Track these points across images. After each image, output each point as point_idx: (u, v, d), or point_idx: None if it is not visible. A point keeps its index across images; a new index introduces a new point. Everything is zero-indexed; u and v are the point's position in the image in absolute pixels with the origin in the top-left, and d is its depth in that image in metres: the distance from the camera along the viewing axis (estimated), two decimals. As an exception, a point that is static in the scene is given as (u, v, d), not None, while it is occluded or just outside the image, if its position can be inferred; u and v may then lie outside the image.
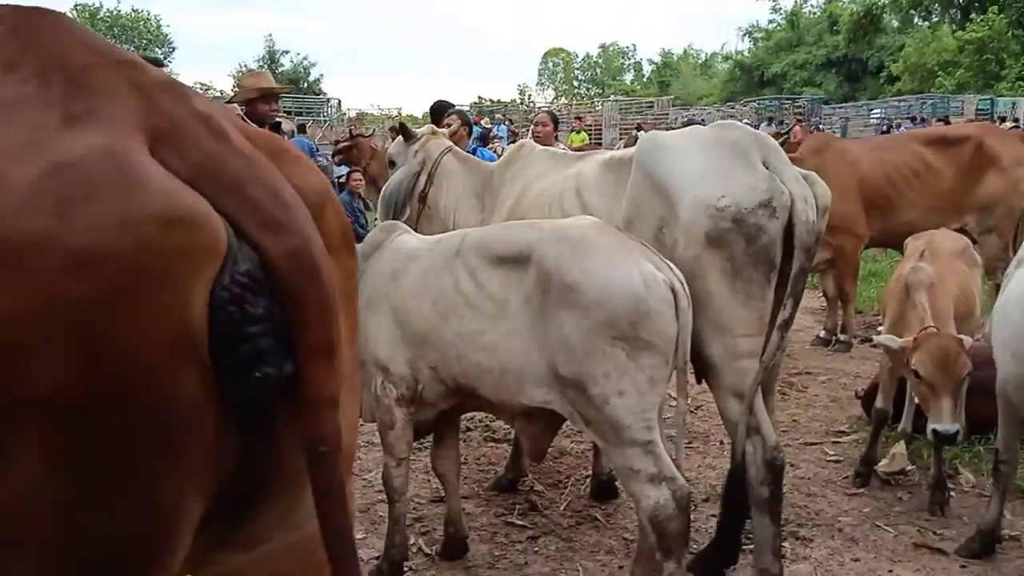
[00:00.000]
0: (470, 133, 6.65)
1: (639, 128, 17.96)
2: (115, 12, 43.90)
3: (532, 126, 9.05)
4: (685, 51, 63.21)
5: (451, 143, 4.13)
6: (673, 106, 34.13)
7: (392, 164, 4.26)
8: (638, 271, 2.51)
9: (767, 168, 2.74)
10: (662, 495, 2.49)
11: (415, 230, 3.40)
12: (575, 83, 65.25)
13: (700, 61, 63.31)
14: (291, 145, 1.32)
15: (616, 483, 3.83)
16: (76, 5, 44.06)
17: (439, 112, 6.25)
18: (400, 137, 4.30)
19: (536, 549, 3.36)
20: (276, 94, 5.09)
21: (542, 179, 3.62)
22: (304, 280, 1.08)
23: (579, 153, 3.95)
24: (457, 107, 7.02)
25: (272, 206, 1.08)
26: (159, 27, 44.96)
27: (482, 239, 2.81)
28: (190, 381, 1.01)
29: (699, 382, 2.94)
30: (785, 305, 2.74)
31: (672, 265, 2.61)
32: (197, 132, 1.08)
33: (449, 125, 4.82)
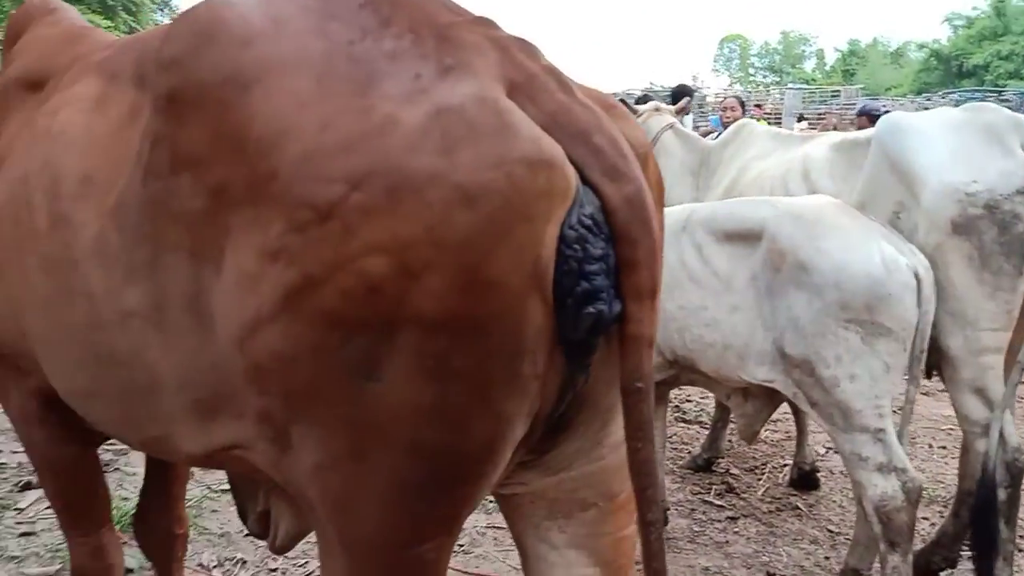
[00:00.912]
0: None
1: (800, 119, 17.24)
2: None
3: (720, 111, 8.89)
4: (874, 39, 59.46)
5: (674, 120, 4.15)
6: (861, 96, 32.21)
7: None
8: (879, 254, 2.44)
9: None
10: (890, 485, 2.42)
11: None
12: (751, 70, 63.00)
13: (890, 49, 59.36)
14: (617, 101, 1.40)
15: (818, 474, 3.75)
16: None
17: (680, 95, 6.41)
18: (624, 113, 4.38)
19: (736, 530, 3.36)
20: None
21: (762, 159, 3.57)
22: (638, 225, 1.15)
23: (804, 134, 3.86)
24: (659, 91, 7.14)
25: (613, 155, 1.15)
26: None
27: (710, 214, 2.82)
28: (536, 311, 1.11)
29: (929, 376, 2.82)
30: None
31: (916, 250, 2.52)
32: (548, 84, 1.17)
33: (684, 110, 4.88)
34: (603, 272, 1.14)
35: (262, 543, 3.13)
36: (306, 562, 3.06)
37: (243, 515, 1.89)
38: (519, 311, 1.09)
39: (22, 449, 3.95)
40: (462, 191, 1.03)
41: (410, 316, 1.06)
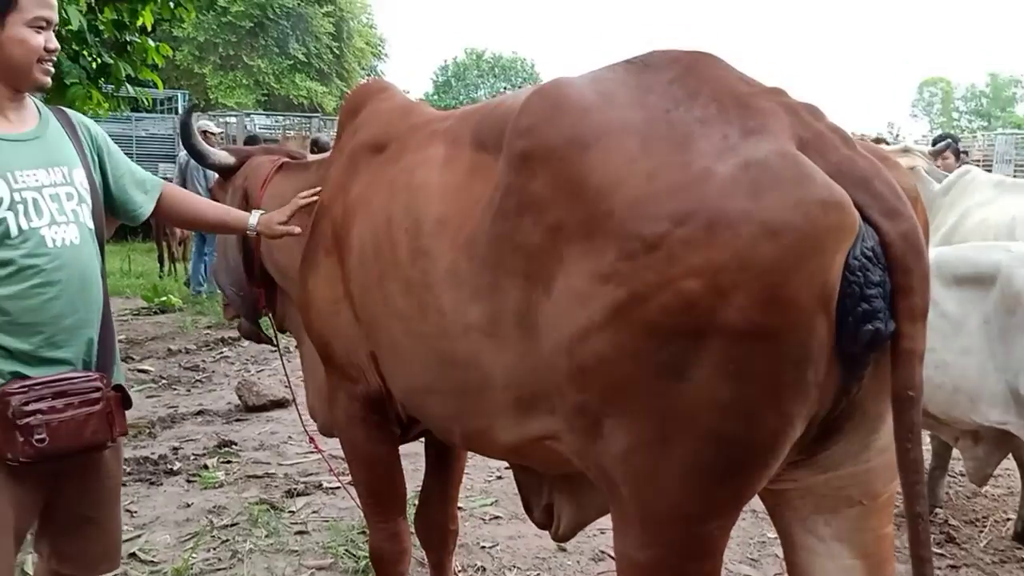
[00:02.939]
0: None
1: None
2: (497, 55, 49.08)
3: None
4: (1101, 77, 54.12)
5: (917, 163, 4.23)
6: (1085, 140, 29.40)
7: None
8: (1123, 298, 2.46)
9: None
10: None
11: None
12: (955, 115, 59.09)
13: (1120, 88, 53.76)
14: (889, 153, 1.63)
15: (1049, 529, 3.62)
16: (466, 48, 50.00)
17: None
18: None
19: (959, 578, 3.33)
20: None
21: (985, 207, 3.58)
22: (912, 256, 1.37)
23: (1028, 182, 3.82)
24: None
25: (890, 198, 1.38)
26: (533, 67, 49.44)
27: (939, 259, 2.91)
28: (822, 326, 1.34)
29: None
30: None
31: None
32: (833, 140, 1.43)
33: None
34: (880, 296, 1.36)
35: (497, 554, 3.51)
36: (538, 573, 3.36)
37: (528, 509, 2.22)
38: (808, 326, 1.33)
39: (288, 462, 4.61)
40: (767, 226, 1.30)
41: (718, 327, 1.33)
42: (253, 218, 2.37)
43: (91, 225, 1.96)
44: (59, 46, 1.90)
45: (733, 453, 1.42)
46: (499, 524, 3.82)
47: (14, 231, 1.80)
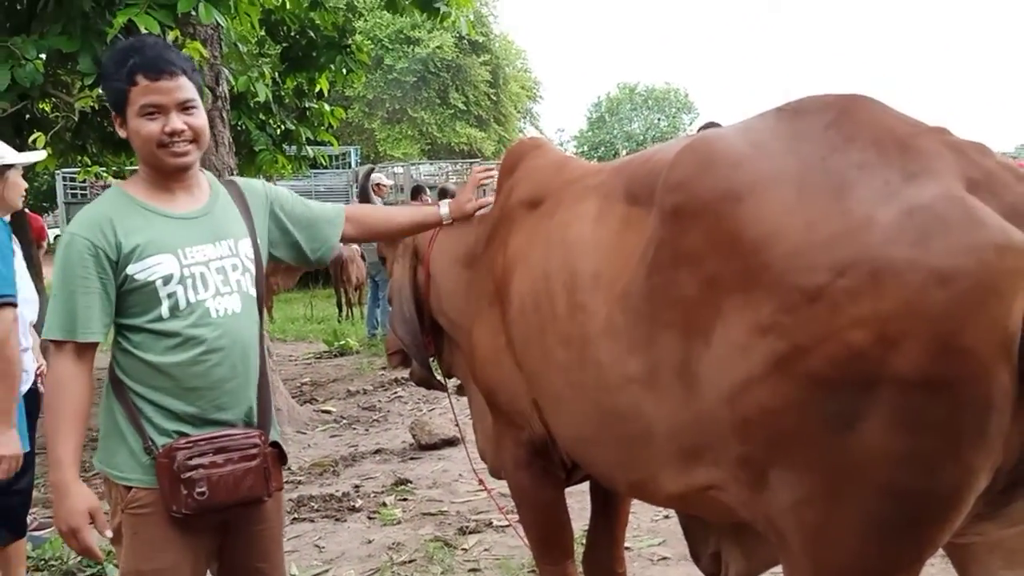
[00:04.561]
0: None
1: None
2: (650, 87, 48.95)
3: None
4: None
5: None
6: None
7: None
8: None
9: None
10: None
11: None
12: None
13: None
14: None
15: None
16: (619, 83, 50.19)
17: None
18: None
19: None
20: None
21: None
22: None
23: None
24: None
25: None
26: (687, 96, 48.89)
27: None
28: (1004, 374, 1.28)
29: None
30: None
31: None
32: (1006, 178, 1.36)
33: None
34: (1065, 340, 1.28)
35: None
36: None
37: (695, 556, 2.20)
38: (988, 374, 1.27)
39: (460, 500, 4.76)
40: (937, 274, 1.26)
41: (889, 377, 1.29)
42: (444, 208, 2.45)
43: (252, 293, 2.04)
44: (183, 127, 1.91)
45: (911, 507, 1.37)
46: (668, 565, 3.77)
47: (183, 304, 1.91)
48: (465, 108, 27.99)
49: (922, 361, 1.27)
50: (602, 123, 48.75)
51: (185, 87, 1.92)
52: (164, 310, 1.90)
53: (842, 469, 1.38)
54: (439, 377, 3.19)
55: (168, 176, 1.98)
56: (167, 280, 1.90)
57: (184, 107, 1.92)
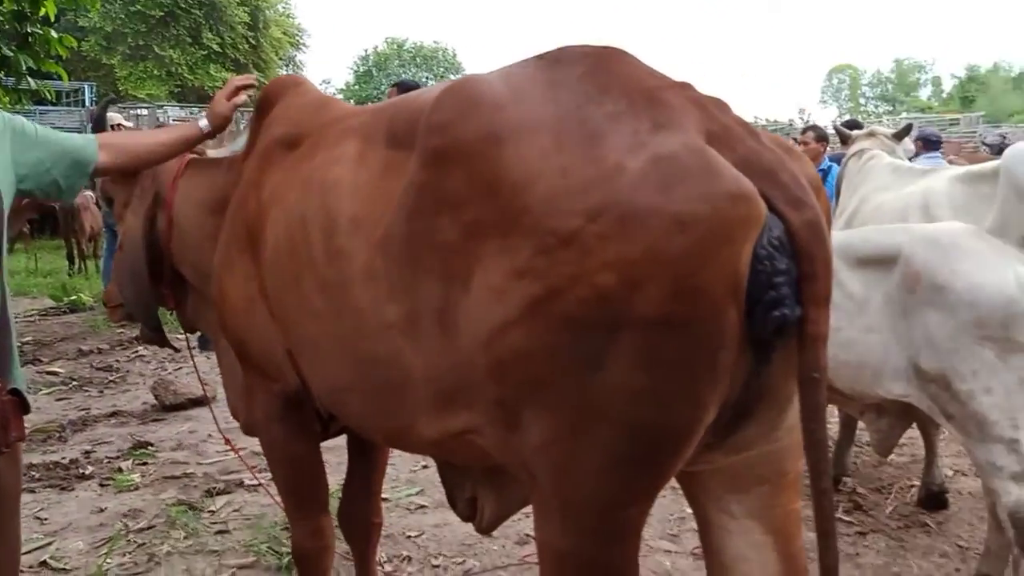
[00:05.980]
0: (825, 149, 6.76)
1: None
2: (418, 44, 48.60)
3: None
4: (995, 64, 56.98)
5: (862, 147, 4.38)
6: (982, 123, 30.97)
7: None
8: (1012, 274, 2.60)
9: None
10: (1024, 493, 2.55)
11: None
12: (861, 100, 61.43)
13: (1012, 75, 56.71)
14: (793, 144, 1.68)
15: (946, 495, 3.83)
16: (387, 38, 49.35)
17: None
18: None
19: (865, 544, 3.49)
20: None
21: (882, 192, 3.74)
22: (816, 244, 1.42)
23: (924, 167, 4.01)
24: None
25: (794, 188, 1.43)
26: (455, 56, 49.14)
27: (844, 242, 3.03)
28: (732, 314, 1.38)
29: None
30: None
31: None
32: (740, 133, 1.47)
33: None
34: (787, 283, 1.41)
35: (423, 543, 3.51)
36: (463, 560, 3.38)
37: (452, 502, 2.22)
38: (719, 314, 1.37)
39: (208, 461, 4.50)
40: (677, 219, 1.33)
41: (633, 318, 1.35)
42: (203, 120, 2.40)
43: None
44: None
45: (650, 441, 1.45)
46: (425, 513, 3.83)
47: None
48: (220, 50, 26.10)
49: (662, 302, 1.34)
50: (369, 78, 47.72)
51: None
52: None
53: (588, 408, 1.43)
54: (174, 335, 2.95)
55: None
56: None
57: None
